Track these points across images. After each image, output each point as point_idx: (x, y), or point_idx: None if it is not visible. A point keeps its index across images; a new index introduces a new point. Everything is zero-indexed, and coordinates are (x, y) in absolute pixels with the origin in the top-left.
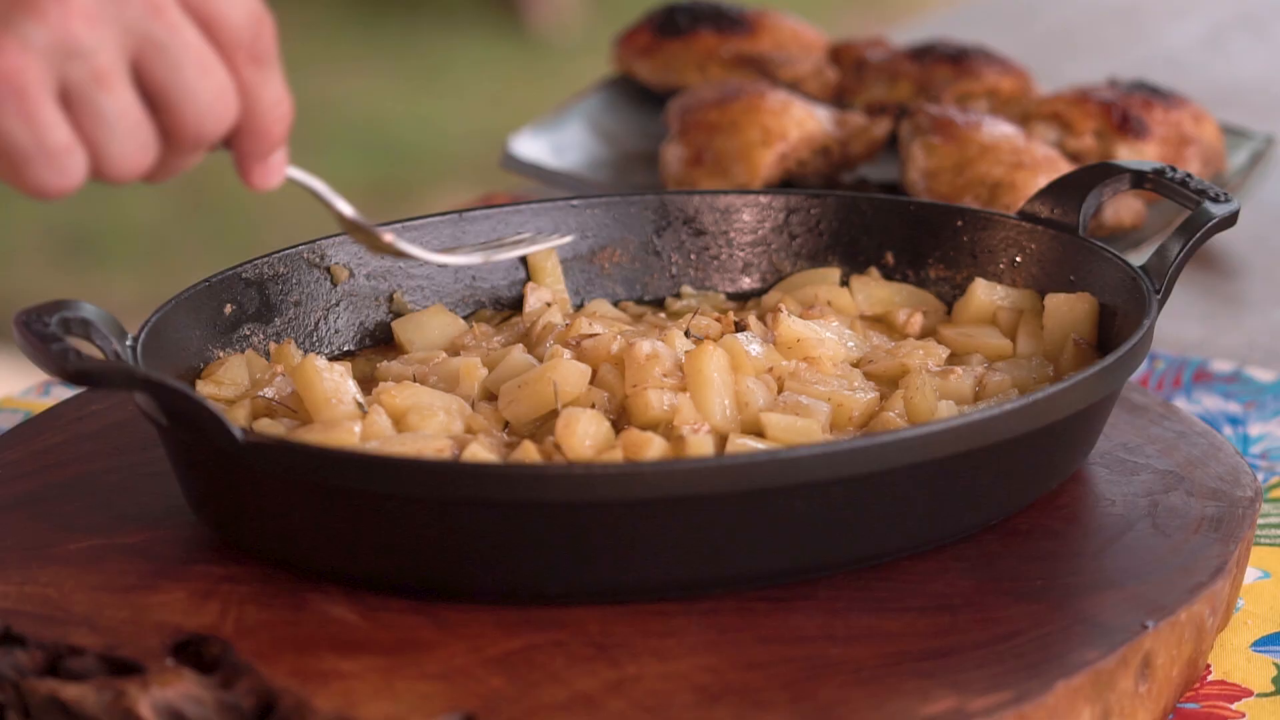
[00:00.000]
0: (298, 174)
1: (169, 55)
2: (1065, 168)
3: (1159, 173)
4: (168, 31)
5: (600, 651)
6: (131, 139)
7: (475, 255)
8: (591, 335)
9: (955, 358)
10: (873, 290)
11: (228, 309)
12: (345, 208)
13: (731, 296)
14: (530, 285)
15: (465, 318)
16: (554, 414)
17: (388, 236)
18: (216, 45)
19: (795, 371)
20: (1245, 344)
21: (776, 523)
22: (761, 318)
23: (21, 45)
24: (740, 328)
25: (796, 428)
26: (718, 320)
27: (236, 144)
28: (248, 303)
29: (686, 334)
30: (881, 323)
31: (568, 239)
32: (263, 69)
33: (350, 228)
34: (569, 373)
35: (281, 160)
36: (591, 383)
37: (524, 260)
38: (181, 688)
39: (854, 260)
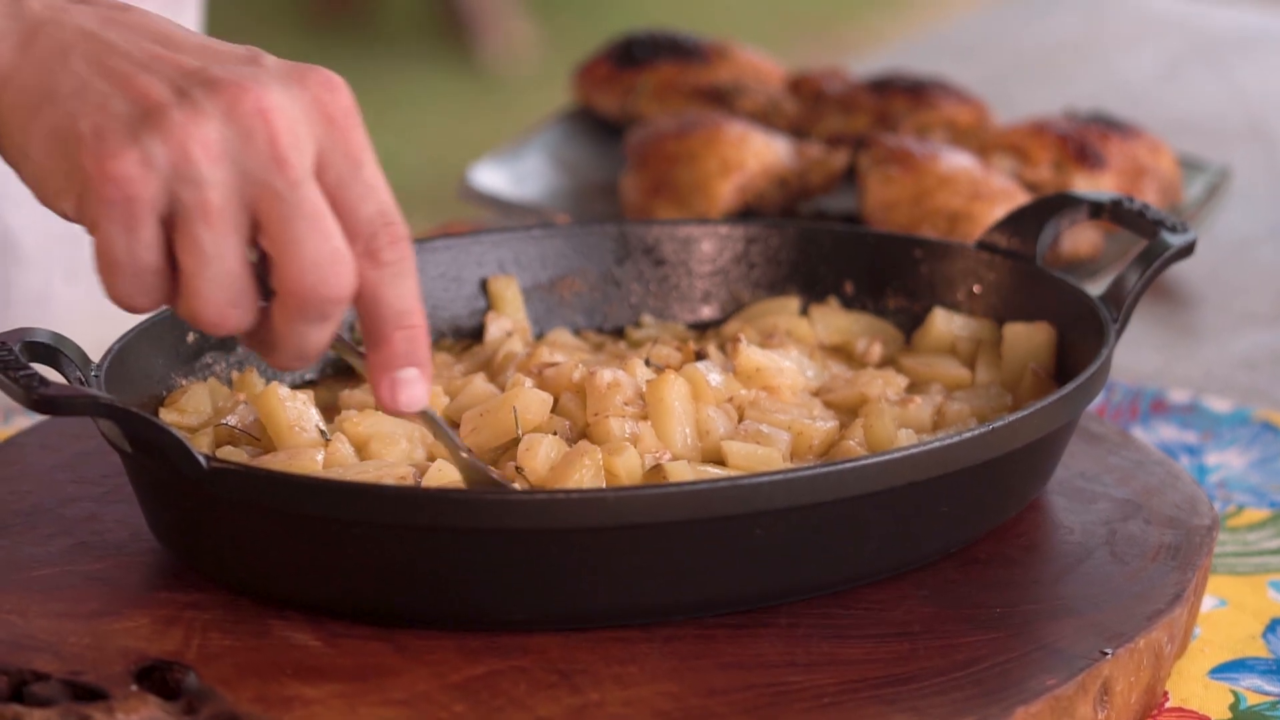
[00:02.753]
0: (434, 415)
1: (284, 206)
2: (1023, 198)
3: (1116, 203)
4: (288, 185)
5: (563, 678)
6: (226, 285)
7: None
8: (553, 364)
9: (914, 387)
10: (832, 320)
11: (190, 337)
12: (465, 451)
13: (691, 326)
14: (491, 314)
15: None
16: (515, 441)
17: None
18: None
19: (755, 400)
20: (1202, 374)
21: (737, 550)
22: (721, 347)
23: (142, 158)
24: (700, 356)
25: (757, 456)
26: (678, 350)
27: (367, 351)
28: None
29: (647, 363)
30: (840, 352)
31: None
32: (380, 269)
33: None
34: (531, 401)
35: (416, 382)
36: (553, 411)
37: (484, 289)
38: (146, 713)
39: (813, 290)
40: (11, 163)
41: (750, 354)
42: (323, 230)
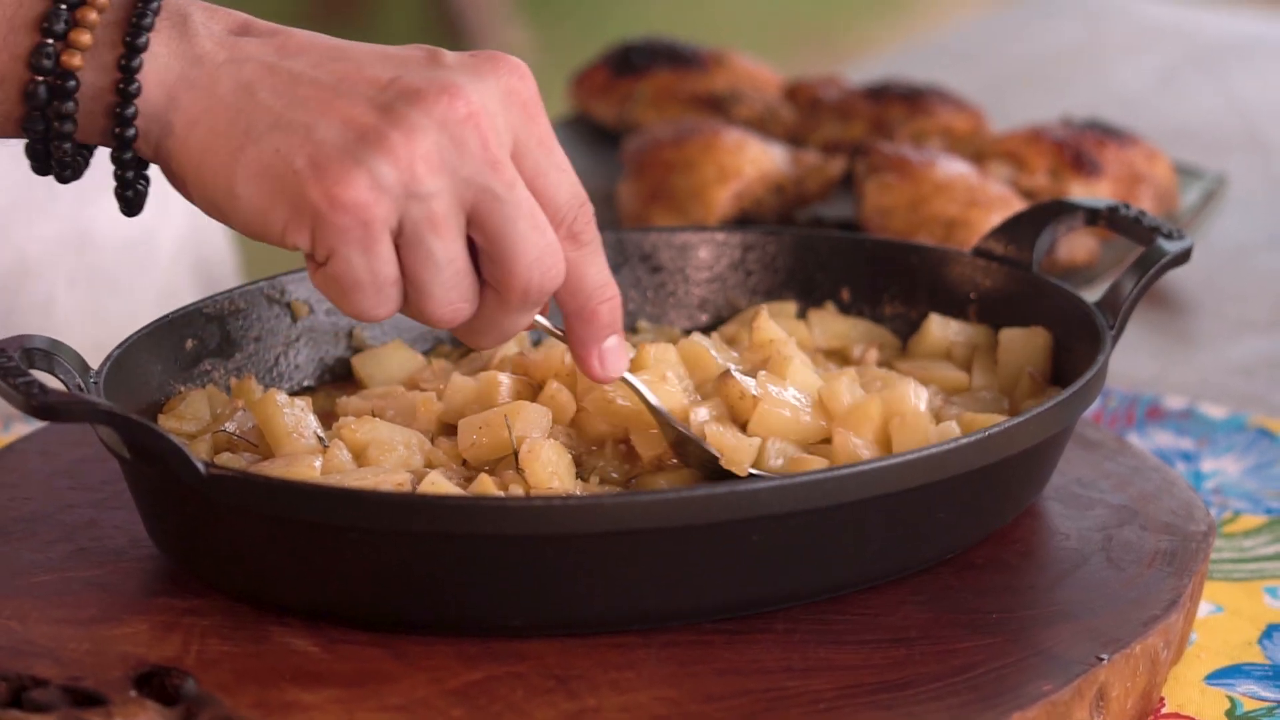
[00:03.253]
0: (632, 379)
1: (504, 208)
2: (1019, 205)
3: (1112, 210)
4: (505, 187)
5: (560, 684)
6: (456, 285)
7: None
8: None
9: None
10: (829, 325)
11: (189, 344)
12: (663, 409)
13: (687, 332)
14: None
15: (424, 353)
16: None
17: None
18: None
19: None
20: (1198, 381)
21: (734, 555)
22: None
23: (373, 181)
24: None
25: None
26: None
27: (569, 328)
28: (208, 338)
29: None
30: (837, 356)
31: None
32: (582, 248)
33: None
34: (529, 415)
35: (619, 349)
36: (539, 399)
37: None
38: (145, 719)
39: (810, 297)
40: (215, 205)
41: (768, 325)
42: (539, 226)
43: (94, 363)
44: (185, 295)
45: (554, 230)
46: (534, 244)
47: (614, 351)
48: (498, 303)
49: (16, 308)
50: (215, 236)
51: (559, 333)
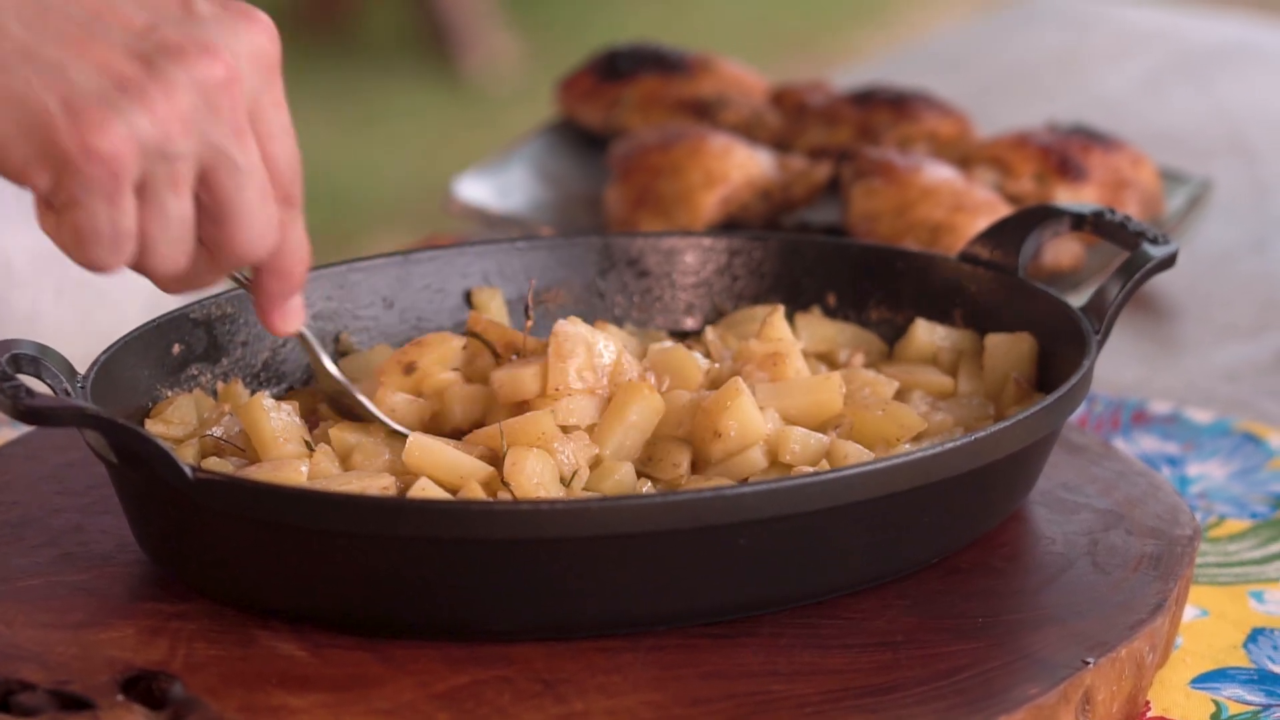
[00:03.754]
0: (307, 334)
1: (239, 177)
2: (1005, 210)
3: (1098, 215)
4: (243, 154)
5: (547, 688)
6: (180, 241)
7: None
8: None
9: (899, 395)
10: (815, 328)
11: (176, 349)
12: (332, 367)
13: (674, 334)
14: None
15: None
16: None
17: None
18: None
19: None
20: (1183, 385)
21: (721, 560)
22: (706, 354)
23: (130, 134)
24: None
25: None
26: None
27: (261, 283)
28: (195, 343)
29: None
30: (824, 360)
31: None
32: (291, 210)
33: (327, 382)
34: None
35: (300, 305)
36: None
37: (468, 301)
38: None
39: (796, 301)
40: None
41: (780, 324)
42: (265, 198)
43: (82, 371)
44: (172, 305)
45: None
46: (258, 215)
47: (297, 308)
48: (209, 261)
49: (3, 318)
50: None
51: (244, 281)
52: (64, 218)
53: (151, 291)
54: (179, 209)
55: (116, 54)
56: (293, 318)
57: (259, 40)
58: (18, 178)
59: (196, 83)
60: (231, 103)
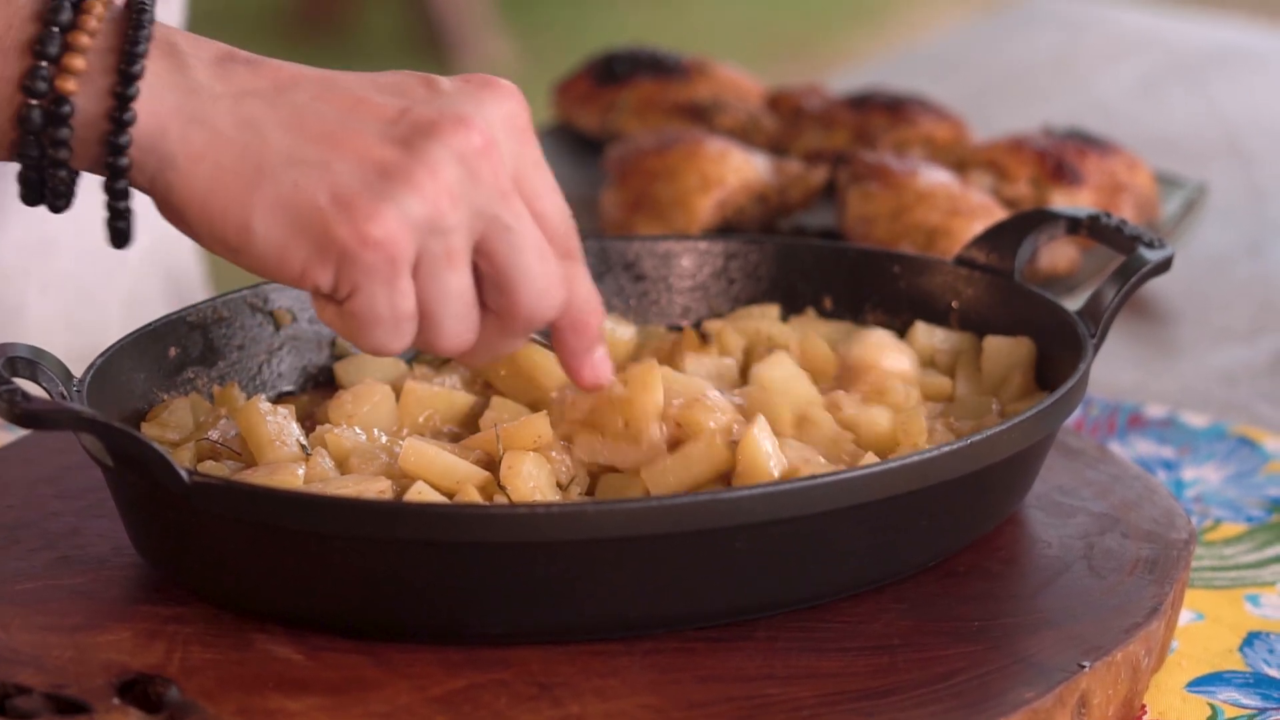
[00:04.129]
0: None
1: (513, 239)
2: (1001, 214)
3: (1095, 219)
4: (514, 217)
5: (543, 691)
6: (465, 316)
7: None
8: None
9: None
10: (812, 329)
11: (172, 352)
12: None
13: (672, 328)
14: None
15: (407, 361)
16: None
17: None
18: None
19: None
20: (1179, 389)
21: (717, 563)
22: (702, 332)
23: (402, 217)
24: (704, 339)
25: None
26: (675, 343)
27: (561, 341)
28: (192, 346)
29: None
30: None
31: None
32: (573, 265)
33: None
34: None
35: (605, 356)
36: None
37: None
38: None
39: (792, 305)
40: (224, 242)
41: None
42: (544, 257)
43: (69, 369)
44: (154, 303)
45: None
46: (539, 274)
47: (603, 360)
48: (499, 328)
49: None
50: (182, 246)
51: (546, 344)
52: (345, 307)
53: (131, 289)
54: (458, 283)
55: (375, 143)
56: (602, 371)
57: (508, 105)
58: (299, 281)
59: (456, 155)
60: (493, 169)
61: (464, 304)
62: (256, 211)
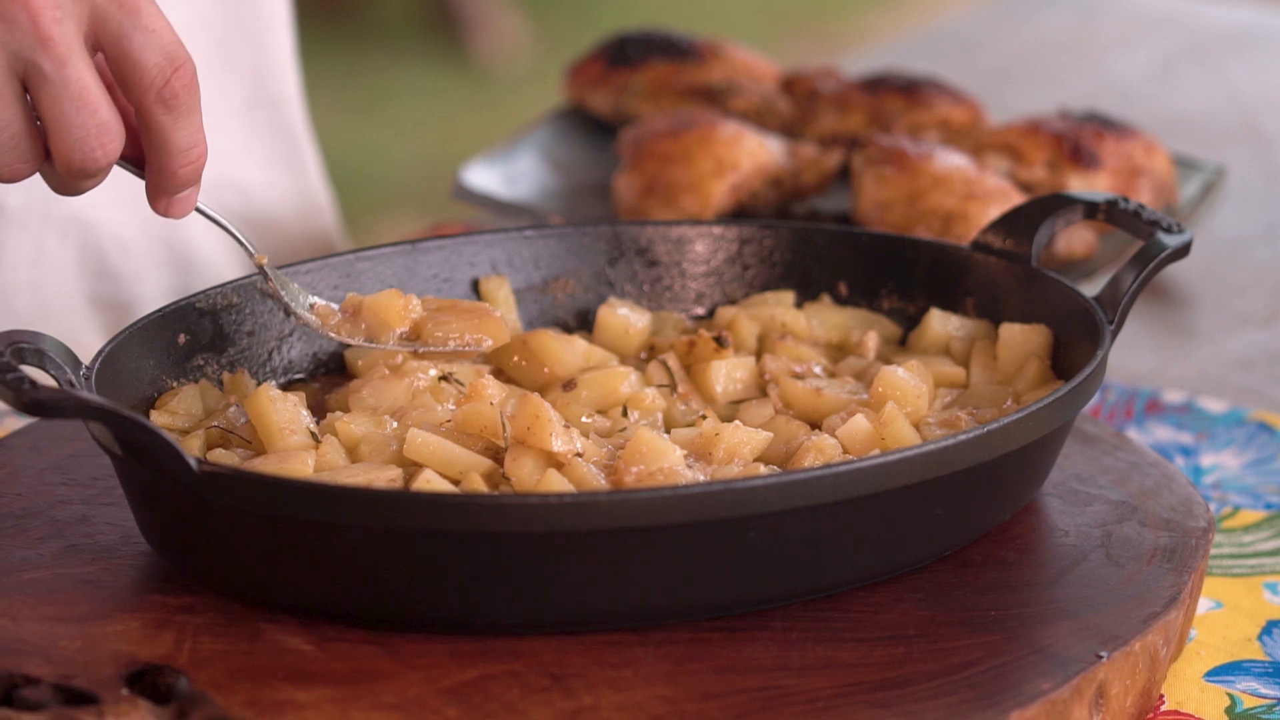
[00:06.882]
0: (210, 211)
1: (50, 87)
2: (1017, 199)
3: (1111, 204)
4: (53, 64)
5: (555, 682)
6: (13, 146)
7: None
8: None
9: None
10: (827, 316)
11: (181, 339)
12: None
13: (692, 319)
14: None
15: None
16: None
17: (305, 316)
18: (125, 81)
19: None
20: (1197, 375)
21: (731, 553)
22: (718, 336)
23: None
24: (721, 343)
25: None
26: (691, 344)
27: (148, 175)
28: (201, 333)
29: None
30: (839, 349)
31: (486, 348)
32: (172, 112)
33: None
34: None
35: (189, 198)
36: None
37: (476, 290)
38: (137, 718)
39: (807, 291)
40: None
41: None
42: (89, 106)
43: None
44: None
45: (142, 95)
46: (78, 124)
47: (184, 199)
48: (55, 171)
49: None
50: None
51: (138, 171)
52: None
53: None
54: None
55: None
56: (177, 209)
57: None
58: None
59: None
60: (31, 15)
61: (10, 135)
62: None
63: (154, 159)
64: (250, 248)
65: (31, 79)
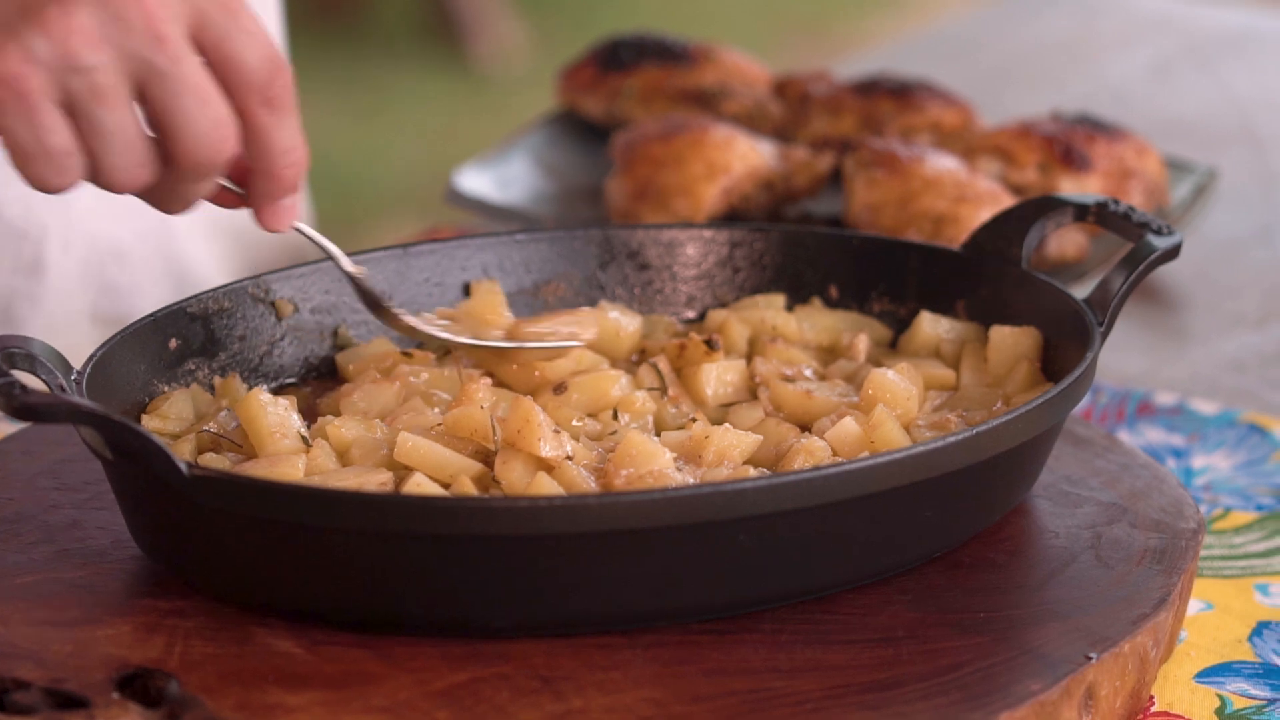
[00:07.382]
0: (309, 230)
1: (168, 84)
2: (1008, 201)
3: (1102, 206)
4: (169, 62)
5: (545, 684)
6: (129, 153)
7: (502, 342)
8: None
9: None
10: (818, 319)
11: (173, 343)
12: (349, 265)
13: (683, 322)
14: None
15: (405, 351)
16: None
17: (407, 319)
18: (227, 83)
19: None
20: (1188, 376)
21: (720, 556)
22: (709, 339)
23: (25, 54)
24: (712, 346)
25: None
26: (682, 347)
27: (250, 184)
28: (193, 337)
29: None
30: (827, 352)
31: (587, 338)
32: (275, 113)
33: (364, 296)
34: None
35: (294, 206)
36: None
37: (467, 293)
38: None
39: (798, 294)
40: None
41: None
42: (205, 100)
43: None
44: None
45: (245, 96)
46: (199, 119)
47: (290, 208)
48: (171, 173)
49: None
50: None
51: (239, 190)
52: (3, 142)
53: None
54: (113, 120)
55: None
56: (285, 216)
57: None
58: None
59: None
60: (144, 13)
61: (124, 141)
62: None
63: (259, 161)
64: (344, 262)
65: (147, 78)
